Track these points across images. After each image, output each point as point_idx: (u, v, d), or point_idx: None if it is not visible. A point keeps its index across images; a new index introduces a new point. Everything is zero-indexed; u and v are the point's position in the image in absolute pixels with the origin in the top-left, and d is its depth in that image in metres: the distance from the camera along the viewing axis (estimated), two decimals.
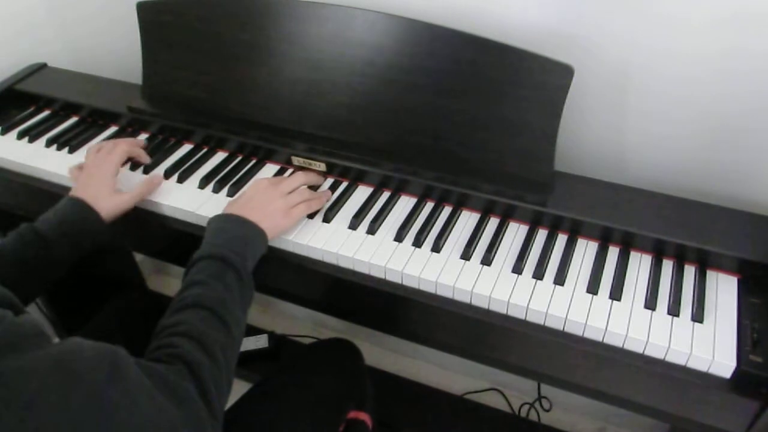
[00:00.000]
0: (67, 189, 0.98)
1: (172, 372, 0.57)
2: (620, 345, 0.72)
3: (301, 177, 0.90)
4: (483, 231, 0.86)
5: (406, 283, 0.80)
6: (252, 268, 0.76)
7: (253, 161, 1.00)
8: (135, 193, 0.89)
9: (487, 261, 0.81)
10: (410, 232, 0.86)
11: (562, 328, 0.74)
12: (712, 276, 0.79)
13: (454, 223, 0.87)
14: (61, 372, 0.47)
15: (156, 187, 0.93)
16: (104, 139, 1.06)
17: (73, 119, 1.13)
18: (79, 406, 0.47)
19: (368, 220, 0.87)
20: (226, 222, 0.80)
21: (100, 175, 0.89)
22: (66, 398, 0.47)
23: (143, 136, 1.07)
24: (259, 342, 1.51)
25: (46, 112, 1.16)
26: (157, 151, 1.03)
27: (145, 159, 0.99)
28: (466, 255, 0.82)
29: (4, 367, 0.45)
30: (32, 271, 0.79)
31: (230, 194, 0.93)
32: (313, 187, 0.93)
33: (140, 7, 1.03)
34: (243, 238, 0.77)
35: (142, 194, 0.90)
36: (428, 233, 0.85)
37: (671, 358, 0.70)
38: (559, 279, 0.78)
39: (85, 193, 0.86)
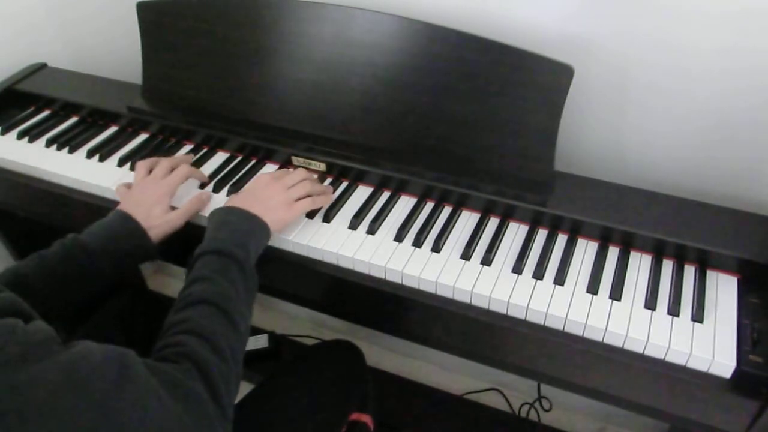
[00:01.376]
0: (67, 189, 0.99)
1: (181, 372, 0.57)
2: (620, 345, 0.72)
3: (303, 172, 0.90)
4: (483, 231, 0.86)
5: (406, 283, 0.80)
6: (255, 261, 0.76)
7: (253, 161, 1.00)
8: (185, 210, 0.86)
9: (487, 261, 0.81)
10: (410, 232, 0.86)
11: (562, 328, 0.74)
12: (712, 276, 0.79)
13: (454, 223, 0.87)
14: (70, 380, 0.48)
15: (206, 204, 0.90)
16: (105, 139, 1.06)
17: (73, 119, 1.13)
18: (87, 414, 0.47)
19: (368, 220, 0.87)
20: (229, 215, 0.79)
21: (156, 196, 0.85)
22: (74, 406, 0.47)
23: (143, 136, 1.07)
24: (259, 342, 1.51)
25: (46, 112, 1.16)
26: (157, 151, 1.03)
27: (204, 178, 0.95)
28: (466, 255, 0.82)
29: (16, 380, 0.45)
30: (74, 283, 0.77)
31: (230, 194, 0.93)
32: None
33: (140, 7, 1.03)
34: (246, 231, 0.77)
35: (192, 211, 0.87)
36: (428, 233, 0.85)
37: (671, 358, 0.70)
38: (559, 279, 0.78)
39: (136, 211, 0.82)
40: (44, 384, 0.46)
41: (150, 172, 0.91)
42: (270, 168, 0.99)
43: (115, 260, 0.79)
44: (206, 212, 0.88)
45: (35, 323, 0.51)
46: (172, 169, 0.91)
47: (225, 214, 0.79)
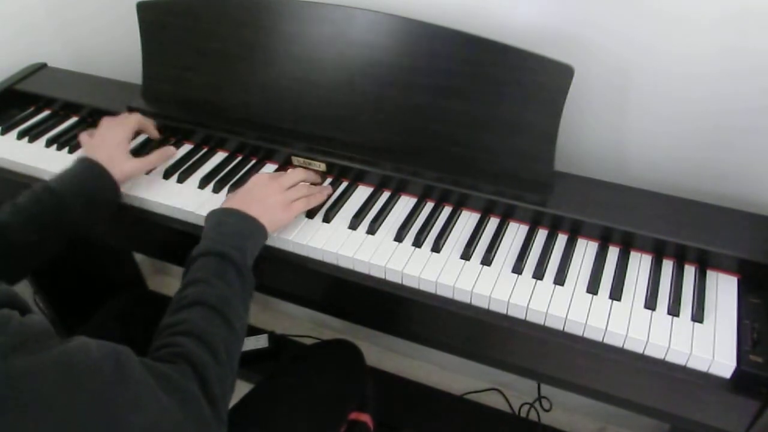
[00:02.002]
0: None
1: (177, 372, 0.57)
2: (620, 345, 0.72)
3: (300, 173, 0.90)
4: (483, 231, 0.86)
5: (406, 283, 0.80)
6: (252, 262, 0.76)
7: (253, 161, 1.00)
8: (147, 159, 0.92)
9: (487, 261, 0.81)
10: (410, 232, 0.86)
11: (562, 328, 0.74)
12: (712, 276, 0.79)
13: (454, 223, 0.87)
14: (67, 373, 0.48)
15: (168, 158, 0.96)
16: None
17: (73, 119, 1.13)
18: (83, 407, 0.47)
19: (368, 220, 0.87)
20: (225, 216, 0.79)
21: (113, 140, 0.90)
22: (71, 399, 0.47)
23: (143, 136, 1.07)
24: (259, 342, 1.51)
25: (46, 112, 1.16)
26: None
27: (154, 134, 1.01)
28: (466, 255, 0.82)
29: (12, 370, 0.45)
30: (47, 228, 0.80)
31: (229, 194, 0.93)
32: (313, 185, 0.93)
33: (140, 7, 1.03)
34: (242, 232, 0.77)
35: (154, 162, 0.93)
36: (428, 233, 0.85)
37: (671, 358, 0.70)
38: (559, 279, 0.78)
39: (97, 155, 0.87)
40: (40, 375, 0.46)
41: None
42: (270, 168, 0.99)
43: (83, 201, 0.84)
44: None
45: (31, 316, 0.51)
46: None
47: (222, 215, 0.80)
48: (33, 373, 0.46)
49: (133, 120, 0.96)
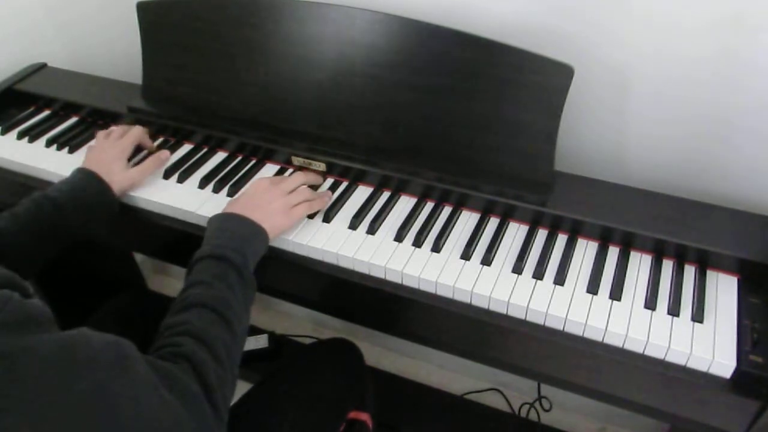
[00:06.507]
0: None
1: (179, 370, 0.57)
2: (620, 345, 0.72)
3: (301, 177, 0.90)
4: (483, 231, 0.86)
5: (406, 283, 0.80)
6: (253, 267, 0.76)
7: (253, 161, 1.00)
8: (143, 167, 0.94)
9: (487, 261, 0.81)
10: (410, 232, 0.86)
11: (562, 328, 0.74)
12: (712, 276, 0.79)
13: (454, 223, 0.87)
14: (66, 358, 0.47)
15: (164, 163, 0.98)
16: None
17: (73, 119, 1.13)
18: (81, 394, 0.47)
19: (368, 220, 0.87)
20: (227, 221, 0.80)
21: (112, 154, 0.93)
22: (68, 384, 0.47)
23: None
24: (259, 342, 1.51)
25: (46, 112, 1.16)
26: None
27: (150, 145, 1.02)
28: (466, 255, 0.82)
29: (10, 346, 0.45)
30: (45, 236, 0.82)
31: (230, 194, 0.93)
32: (314, 187, 0.93)
33: (140, 7, 1.03)
34: (243, 237, 0.77)
35: (150, 169, 0.95)
36: (428, 233, 0.85)
37: (671, 358, 0.70)
38: (559, 279, 0.78)
39: (97, 167, 0.90)
40: (39, 356, 0.46)
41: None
42: (270, 168, 0.99)
43: (82, 213, 0.85)
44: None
45: (33, 300, 0.51)
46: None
47: (223, 220, 0.80)
48: (31, 353, 0.46)
49: (134, 135, 0.98)
